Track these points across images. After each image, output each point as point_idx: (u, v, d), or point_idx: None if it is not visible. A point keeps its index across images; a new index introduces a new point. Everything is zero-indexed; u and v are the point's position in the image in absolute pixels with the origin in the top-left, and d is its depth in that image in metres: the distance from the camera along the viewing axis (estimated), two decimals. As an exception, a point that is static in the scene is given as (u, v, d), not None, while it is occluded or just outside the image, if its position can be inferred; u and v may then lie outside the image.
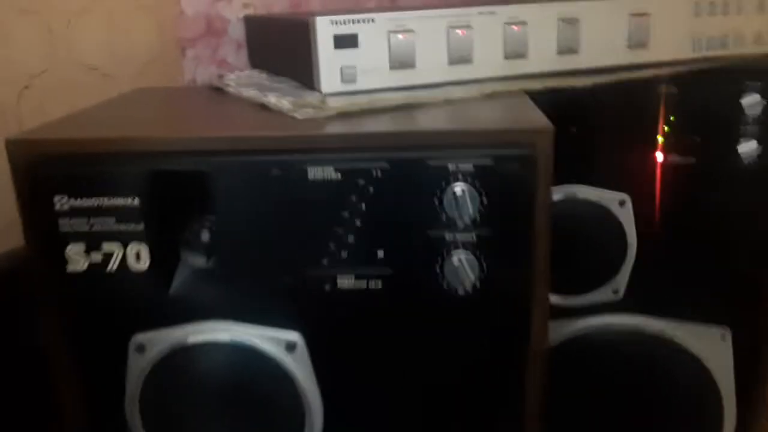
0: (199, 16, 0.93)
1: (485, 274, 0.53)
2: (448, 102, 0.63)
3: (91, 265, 0.54)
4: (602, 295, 0.73)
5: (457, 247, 0.53)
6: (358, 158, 0.52)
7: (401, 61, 0.63)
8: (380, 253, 0.54)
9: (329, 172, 0.52)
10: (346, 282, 0.54)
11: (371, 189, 0.52)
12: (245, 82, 0.74)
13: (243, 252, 0.54)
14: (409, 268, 0.54)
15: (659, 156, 0.69)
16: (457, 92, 0.64)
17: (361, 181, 0.52)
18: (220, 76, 0.86)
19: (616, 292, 0.72)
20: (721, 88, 0.68)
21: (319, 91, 0.62)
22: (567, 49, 0.67)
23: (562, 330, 0.73)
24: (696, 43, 0.72)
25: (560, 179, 0.68)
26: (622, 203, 0.70)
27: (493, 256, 0.53)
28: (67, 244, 0.53)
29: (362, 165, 0.52)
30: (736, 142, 0.68)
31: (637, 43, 0.69)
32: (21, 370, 0.68)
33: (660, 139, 0.69)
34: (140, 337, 0.56)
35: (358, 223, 0.53)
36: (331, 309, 0.55)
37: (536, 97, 0.64)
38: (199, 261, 0.57)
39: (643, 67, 0.69)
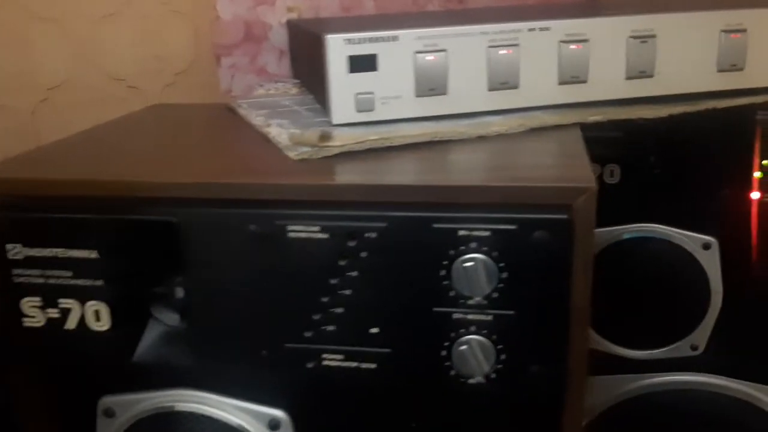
0: (237, 21, 0.85)
1: (502, 363, 0.43)
2: (482, 138, 0.52)
3: (49, 321, 0.47)
4: (679, 350, 0.65)
5: (467, 329, 0.43)
6: (349, 216, 0.43)
7: (429, 87, 0.53)
8: (374, 330, 0.44)
9: (313, 231, 0.43)
10: (333, 360, 0.45)
11: (364, 253, 0.43)
12: (262, 102, 0.65)
13: (217, 316, 0.46)
14: (409, 350, 0.44)
15: (755, 195, 0.61)
16: (495, 125, 0.53)
17: (352, 243, 0.43)
18: (260, 86, 0.80)
19: (695, 348, 0.65)
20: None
21: (330, 120, 0.53)
22: (638, 72, 0.57)
23: (627, 386, 0.67)
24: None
25: (635, 217, 0.63)
26: (706, 247, 0.62)
27: (513, 343, 0.43)
28: (22, 296, 0.47)
29: (353, 224, 0.42)
30: None
31: (730, 65, 0.57)
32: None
33: (757, 175, 0.61)
34: (108, 401, 0.50)
35: (347, 292, 0.44)
36: (317, 387, 0.47)
37: (603, 125, 0.56)
38: (171, 319, 0.49)
39: (736, 95, 0.58)
